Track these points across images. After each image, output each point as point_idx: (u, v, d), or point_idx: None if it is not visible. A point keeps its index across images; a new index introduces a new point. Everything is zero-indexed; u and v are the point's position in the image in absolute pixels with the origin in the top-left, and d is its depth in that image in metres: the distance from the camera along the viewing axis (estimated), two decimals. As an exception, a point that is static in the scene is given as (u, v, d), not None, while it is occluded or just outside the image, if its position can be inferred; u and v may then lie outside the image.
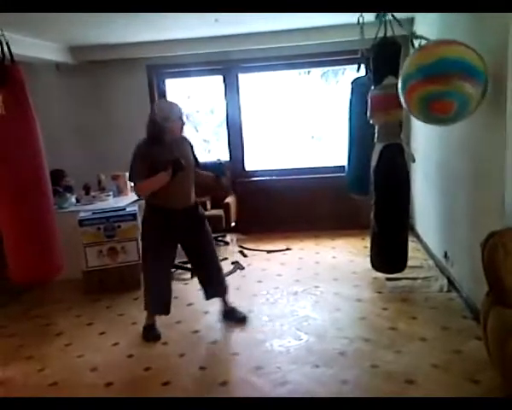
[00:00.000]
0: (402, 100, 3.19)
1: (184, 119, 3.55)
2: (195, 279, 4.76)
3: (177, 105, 3.53)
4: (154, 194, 3.43)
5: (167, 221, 3.48)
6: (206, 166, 3.89)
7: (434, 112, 2.98)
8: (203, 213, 3.80)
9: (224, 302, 3.88)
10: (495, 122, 3.06)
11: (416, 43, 3.67)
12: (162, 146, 3.40)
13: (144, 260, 3.68)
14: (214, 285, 3.82)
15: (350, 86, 4.76)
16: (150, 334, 3.63)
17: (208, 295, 3.84)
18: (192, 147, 3.71)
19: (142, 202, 5.26)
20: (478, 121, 3.32)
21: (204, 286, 3.82)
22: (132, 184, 3.60)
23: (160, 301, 3.65)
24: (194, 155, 3.71)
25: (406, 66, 3.12)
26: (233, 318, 3.83)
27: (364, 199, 4.55)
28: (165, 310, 3.66)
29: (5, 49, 3.02)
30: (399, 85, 3.19)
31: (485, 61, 2.89)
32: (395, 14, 3.89)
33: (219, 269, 3.84)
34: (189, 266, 5.11)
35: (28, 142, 3.13)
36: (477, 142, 3.45)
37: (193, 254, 3.77)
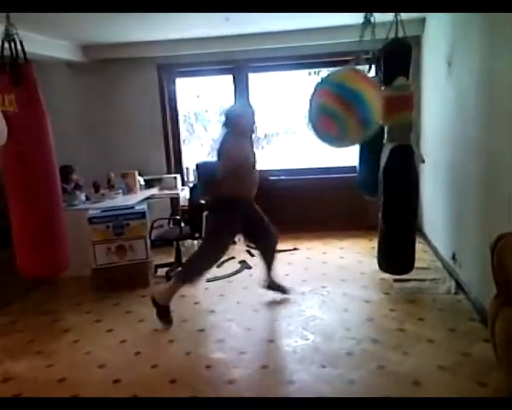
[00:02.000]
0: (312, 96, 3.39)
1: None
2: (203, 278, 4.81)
3: (250, 103, 4.09)
4: (233, 185, 3.68)
5: (240, 209, 3.79)
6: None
7: (321, 125, 3.30)
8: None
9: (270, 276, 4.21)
10: (505, 124, 3.05)
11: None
12: (242, 140, 3.78)
13: (208, 239, 3.95)
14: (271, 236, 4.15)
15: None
16: (166, 315, 3.77)
17: (268, 245, 4.16)
18: (253, 143, 4.18)
19: (151, 200, 5.32)
20: (487, 124, 3.31)
21: (262, 244, 4.18)
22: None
23: (199, 277, 3.86)
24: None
25: (335, 74, 3.45)
26: (277, 287, 4.21)
27: (373, 200, 4.54)
28: (195, 282, 3.90)
29: (19, 47, 3.05)
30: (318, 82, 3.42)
31: (497, 62, 2.89)
32: (407, 14, 3.87)
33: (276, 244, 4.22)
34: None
35: (40, 139, 3.16)
36: (487, 144, 3.44)
37: (256, 232, 4.09)
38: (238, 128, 3.76)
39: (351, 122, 3.14)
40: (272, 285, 4.21)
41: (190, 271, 3.84)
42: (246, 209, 3.84)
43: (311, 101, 3.39)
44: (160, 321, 3.75)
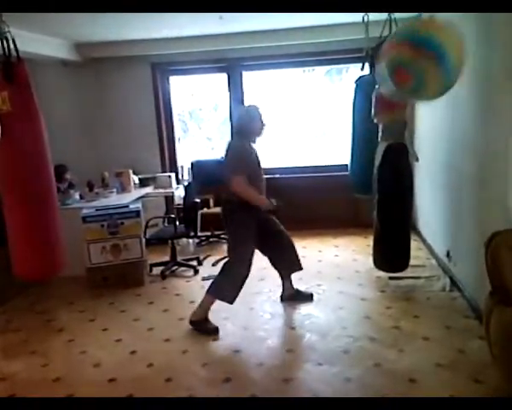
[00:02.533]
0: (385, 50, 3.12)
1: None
2: (198, 277, 4.81)
3: (257, 107, 3.85)
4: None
5: (254, 216, 3.69)
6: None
7: (396, 79, 2.97)
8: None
9: (290, 284, 4.16)
10: (499, 122, 3.06)
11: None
12: (251, 146, 3.75)
13: (235, 249, 3.71)
14: (294, 262, 4.08)
15: (354, 85, 4.75)
16: (208, 328, 3.66)
17: (290, 271, 4.12)
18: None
19: (145, 199, 5.30)
20: (482, 121, 3.32)
21: (283, 266, 4.11)
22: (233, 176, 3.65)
23: (236, 292, 3.68)
24: None
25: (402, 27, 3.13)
26: (300, 298, 4.12)
27: (367, 198, 4.55)
28: (234, 299, 3.72)
29: (11, 45, 3.03)
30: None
31: (491, 60, 2.89)
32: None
33: (294, 247, 4.11)
34: (192, 263, 5.16)
35: (33, 138, 3.13)
36: (482, 142, 3.45)
37: (269, 237, 3.95)
38: (247, 132, 3.73)
39: (427, 71, 2.84)
40: (295, 295, 4.13)
41: (223, 285, 3.70)
42: (259, 214, 3.74)
43: (384, 52, 3.10)
44: (207, 334, 3.62)
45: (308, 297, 4.12)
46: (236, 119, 3.91)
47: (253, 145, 3.77)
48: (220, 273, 3.74)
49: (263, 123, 3.77)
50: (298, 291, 4.15)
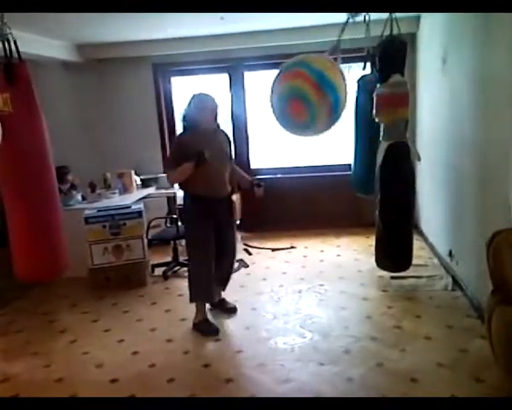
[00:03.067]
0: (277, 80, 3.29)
1: (218, 110, 3.69)
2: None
3: (210, 96, 3.66)
4: (192, 183, 3.54)
5: (206, 209, 3.59)
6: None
7: (290, 110, 3.16)
8: (235, 207, 3.97)
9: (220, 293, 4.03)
10: (500, 122, 3.05)
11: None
12: (199, 136, 3.53)
13: (189, 248, 3.73)
14: (224, 280, 3.95)
15: (356, 84, 4.75)
16: (208, 328, 3.65)
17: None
18: (229, 140, 3.84)
19: (147, 199, 5.31)
20: (483, 121, 3.31)
21: (216, 278, 3.87)
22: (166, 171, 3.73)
23: (205, 290, 3.69)
24: (230, 150, 3.84)
25: (315, 60, 3.24)
26: (223, 308, 3.99)
27: (370, 198, 4.55)
28: (210, 297, 3.74)
29: (13, 47, 3.04)
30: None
31: (492, 65, 2.90)
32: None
33: (233, 265, 3.99)
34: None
35: (35, 140, 3.14)
36: (483, 142, 3.44)
37: (217, 244, 3.78)
38: (195, 124, 3.57)
39: (321, 113, 3.09)
40: (220, 304, 4.00)
41: (191, 287, 3.73)
42: (215, 208, 3.61)
43: (279, 77, 3.28)
44: (208, 335, 3.61)
45: (232, 309, 3.98)
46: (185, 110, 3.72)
47: (203, 133, 3.56)
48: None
49: (202, 107, 3.56)
50: (223, 300, 4.05)
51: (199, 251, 3.64)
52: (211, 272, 3.66)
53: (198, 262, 3.65)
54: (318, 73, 3.07)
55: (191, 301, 3.73)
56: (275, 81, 3.29)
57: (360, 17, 4.20)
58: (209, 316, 3.80)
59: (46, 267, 3.30)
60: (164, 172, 3.66)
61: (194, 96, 3.66)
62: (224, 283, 3.98)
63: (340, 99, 3.14)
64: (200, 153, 3.39)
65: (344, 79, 3.23)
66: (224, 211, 3.73)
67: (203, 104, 3.57)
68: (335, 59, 3.90)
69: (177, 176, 3.57)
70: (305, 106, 3.07)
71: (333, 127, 3.28)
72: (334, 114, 3.16)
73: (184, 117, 3.65)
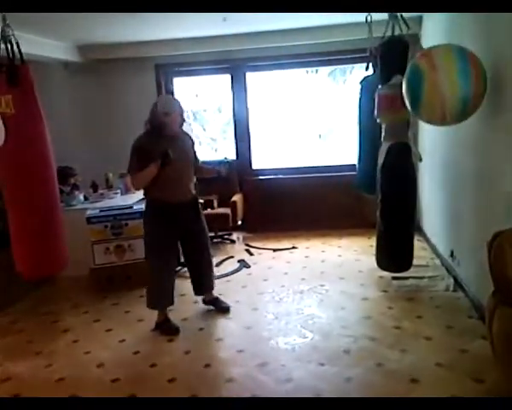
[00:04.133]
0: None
1: (184, 115, 3.64)
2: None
3: (177, 100, 3.62)
4: (153, 188, 3.51)
5: (167, 215, 3.55)
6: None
7: None
8: (201, 209, 3.91)
9: (210, 293, 4.05)
10: (501, 122, 3.05)
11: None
12: (161, 140, 3.47)
13: (147, 256, 3.73)
14: (205, 283, 3.96)
15: (359, 85, 4.76)
16: (168, 328, 3.67)
17: (197, 292, 3.99)
18: (193, 143, 3.80)
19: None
20: (484, 121, 3.31)
21: (194, 282, 3.95)
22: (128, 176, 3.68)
23: (163, 297, 3.71)
24: (195, 152, 3.80)
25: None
26: (217, 306, 4.00)
27: (373, 198, 4.55)
28: (169, 303, 3.74)
29: (15, 48, 3.05)
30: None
31: (492, 60, 2.89)
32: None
33: (211, 266, 3.99)
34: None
35: (37, 141, 3.16)
36: (484, 142, 3.44)
37: (188, 249, 3.85)
38: (160, 127, 3.50)
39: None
40: (214, 303, 4.03)
41: (148, 297, 3.75)
42: (177, 214, 3.58)
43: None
44: (168, 335, 3.63)
45: (225, 309, 3.98)
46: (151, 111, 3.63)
47: (166, 137, 3.50)
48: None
49: (166, 112, 3.47)
50: (217, 299, 4.07)
51: (157, 259, 3.63)
52: (169, 281, 3.70)
53: (156, 270, 3.65)
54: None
55: (147, 306, 3.75)
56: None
57: (351, 19, 4.17)
58: (171, 316, 3.79)
59: (46, 264, 3.32)
60: (128, 174, 3.61)
61: (160, 98, 3.66)
62: (206, 287, 3.99)
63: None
64: (164, 153, 3.36)
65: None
66: (188, 216, 3.69)
67: (169, 108, 3.50)
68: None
69: (141, 179, 3.48)
70: None
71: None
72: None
73: (149, 119, 3.56)
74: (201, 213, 3.86)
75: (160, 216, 3.56)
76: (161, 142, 3.45)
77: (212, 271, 4.01)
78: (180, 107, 3.57)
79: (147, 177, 3.44)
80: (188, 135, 3.77)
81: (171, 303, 3.76)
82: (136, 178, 3.55)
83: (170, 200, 3.53)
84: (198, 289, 3.98)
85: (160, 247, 3.61)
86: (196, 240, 3.80)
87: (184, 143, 3.67)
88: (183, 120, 3.61)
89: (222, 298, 4.09)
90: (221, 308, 3.99)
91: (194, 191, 3.74)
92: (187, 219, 3.68)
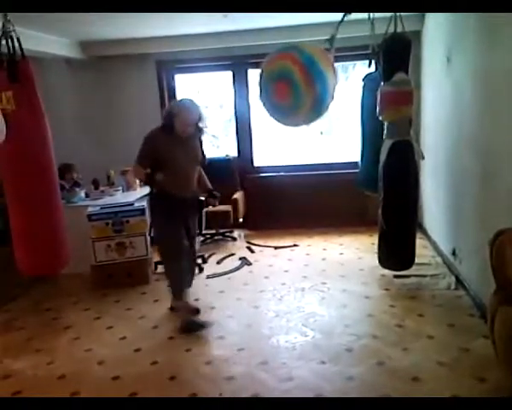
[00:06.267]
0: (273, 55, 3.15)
1: (202, 123, 3.68)
2: (203, 275, 4.82)
3: (197, 109, 3.64)
4: (162, 182, 3.59)
5: (174, 206, 3.64)
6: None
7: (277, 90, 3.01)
8: (201, 208, 4.06)
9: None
10: (504, 120, 3.03)
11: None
12: (173, 137, 3.58)
13: (160, 247, 3.83)
14: (190, 276, 3.99)
15: (362, 82, 4.74)
16: (197, 327, 3.65)
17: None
18: (201, 142, 3.86)
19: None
20: (487, 119, 3.30)
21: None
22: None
23: (183, 284, 3.77)
24: (203, 151, 3.87)
25: (307, 46, 3.11)
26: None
27: (372, 196, 4.54)
28: (189, 285, 3.88)
29: (16, 44, 3.04)
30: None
31: (495, 61, 2.88)
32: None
33: (196, 262, 4.13)
34: (196, 261, 5.15)
35: (37, 137, 3.16)
36: (486, 140, 3.43)
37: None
38: (166, 124, 3.61)
39: (306, 99, 2.94)
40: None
41: (172, 286, 3.79)
42: (182, 206, 3.67)
43: (269, 58, 3.13)
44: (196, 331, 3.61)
45: (194, 311, 3.84)
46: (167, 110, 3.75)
47: (178, 136, 3.58)
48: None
49: (184, 122, 3.55)
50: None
51: (172, 249, 3.68)
52: (186, 268, 3.77)
53: (173, 260, 3.69)
54: (309, 59, 2.93)
55: (175, 298, 3.78)
56: (264, 62, 3.14)
57: (354, 15, 4.14)
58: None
59: (47, 262, 3.32)
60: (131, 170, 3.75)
61: (183, 101, 3.67)
62: (189, 282, 3.99)
63: (328, 94, 2.98)
64: (149, 175, 3.59)
65: (335, 74, 3.07)
66: (190, 209, 3.82)
67: (189, 115, 3.57)
68: (330, 44, 3.86)
69: (135, 174, 3.93)
70: (290, 89, 2.92)
71: (312, 123, 3.17)
72: (317, 108, 3.02)
73: (165, 116, 3.64)
74: (202, 210, 4.01)
75: (169, 207, 3.64)
76: (173, 140, 3.57)
77: (194, 267, 4.14)
78: (198, 115, 3.63)
79: (137, 176, 3.96)
80: (199, 133, 3.77)
81: (190, 285, 3.94)
82: (136, 170, 3.77)
83: (176, 193, 3.63)
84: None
85: (174, 237, 3.67)
86: (191, 235, 3.87)
87: (193, 144, 3.75)
88: (193, 127, 3.63)
89: (222, 295, 4.09)
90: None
91: (195, 188, 3.85)
92: (189, 211, 3.81)
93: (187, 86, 6.85)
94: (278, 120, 3.26)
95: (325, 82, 2.95)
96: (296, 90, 2.91)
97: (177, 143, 3.58)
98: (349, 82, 6.70)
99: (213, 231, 6.12)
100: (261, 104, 3.21)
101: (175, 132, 3.58)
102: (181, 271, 3.71)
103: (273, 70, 3.06)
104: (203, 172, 4.00)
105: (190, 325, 3.63)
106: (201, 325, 3.64)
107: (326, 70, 2.96)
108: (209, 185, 4.02)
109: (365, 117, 4.67)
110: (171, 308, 3.98)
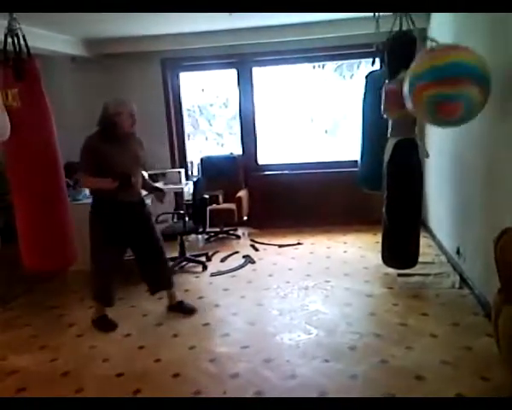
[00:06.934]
0: (408, 99, 3.16)
1: (135, 115, 3.64)
2: (206, 273, 4.83)
3: (128, 101, 3.66)
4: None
5: (114, 213, 3.59)
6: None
7: (441, 114, 2.99)
8: (149, 210, 3.92)
9: (171, 297, 4.01)
10: (509, 117, 3.02)
11: (428, 44, 3.65)
12: (113, 141, 3.52)
13: (92, 252, 3.69)
14: (160, 279, 3.93)
15: (364, 80, 4.73)
16: (105, 324, 3.75)
17: (153, 290, 3.97)
18: (142, 145, 3.81)
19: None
20: (492, 118, 3.29)
21: (148, 281, 3.93)
22: (79, 174, 3.70)
23: (104, 293, 3.79)
24: (143, 156, 3.81)
25: (416, 66, 3.09)
26: (181, 310, 3.95)
27: (376, 194, 4.53)
28: (108, 303, 3.81)
29: (22, 42, 3.05)
30: (406, 85, 3.15)
31: (501, 59, 2.87)
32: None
33: (165, 262, 3.97)
34: (200, 259, 5.17)
35: (43, 134, 3.17)
36: (491, 138, 3.42)
37: (138, 249, 3.83)
38: (100, 125, 3.58)
39: (469, 91, 2.84)
40: (178, 306, 3.98)
41: (93, 286, 3.84)
42: (125, 213, 3.61)
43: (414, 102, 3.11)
44: (106, 331, 3.70)
45: (191, 310, 3.94)
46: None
47: (117, 138, 3.55)
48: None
49: (129, 114, 3.55)
50: (181, 302, 4.02)
51: (100, 255, 3.65)
52: (110, 278, 3.75)
53: (99, 265, 3.68)
54: (430, 72, 2.94)
55: (93, 298, 3.83)
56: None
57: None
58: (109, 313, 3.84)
59: (53, 259, 3.33)
60: (80, 172, 3.65)
61: (109, 100, 3.67)
62: (162, 284, 3.96)
63: (472, 65, 2.87)
64: (126, 176, 3.44)
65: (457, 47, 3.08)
66: (136, 215, 3.71)
67: (121, 107, 3.55)
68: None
69: (92, 185, 3.61)
70: (453, 101, 2.89)
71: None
72: (481, 81, 2.87)
73: (100, 120, 3.60)
74: (150, 214, 3.88)
75: (109, 213, 3.59)
76: (113, 143, 3.51)
77: (166, 267, 4.01)
78: (131, 107, 3.60)
79: (98, 186, 3.54)
80: (137, 137, 3.77)
81: (111, 304, 3.84)
82: (87, 181, 3.61)
83: (119, 199, 3.55)
84: (155, 286, 3.95)
85: (106, 243, 3.60)
86: (146, 238, 3.79)
87: (134, 146, 3.69)
88: (134, 121, 3.61)
89: (227, 293, 4.09)
90: (187, 310, 3.94)
91: (141, 193, 3.81)
92: (135, 220, 3.70)
93: (192, 84, 6.86)
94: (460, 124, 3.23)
95: (462, 64, 2.88)
96: (458, 97, 2.87)
97: (118, 147, 3.51)
98: (354, 80, 6.69)
99: (217, 229, 6.13)
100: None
101: (115, 135, 3.52)
102: (105, 281, 3.74)
103: (426, 103, 3.02)
104: (145, 174, 4.00)
105: (101, 323, 3.76)
106: (112, 326, 3.74)
107: (451, 58, 2.92)
108: (153, 184, 4.05)
109: (367, 115, 4.66)
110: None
